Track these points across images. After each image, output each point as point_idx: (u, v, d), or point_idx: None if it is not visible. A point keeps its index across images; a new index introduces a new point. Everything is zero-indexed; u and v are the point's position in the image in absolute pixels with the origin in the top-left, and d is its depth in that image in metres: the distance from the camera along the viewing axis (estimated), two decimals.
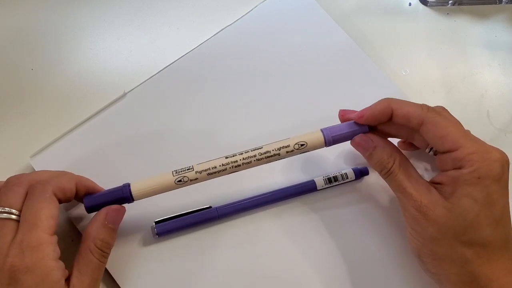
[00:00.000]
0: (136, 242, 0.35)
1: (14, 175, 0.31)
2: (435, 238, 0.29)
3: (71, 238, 0.35)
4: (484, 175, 0.28)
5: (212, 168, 0.32)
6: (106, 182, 0.34)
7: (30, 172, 0.36)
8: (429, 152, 0.33)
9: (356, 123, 0.33)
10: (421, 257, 0.31)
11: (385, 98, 0.32)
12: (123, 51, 0.42)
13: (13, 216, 0.28)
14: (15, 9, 0.43)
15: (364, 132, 0.33)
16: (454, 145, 0.29)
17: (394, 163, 0.31)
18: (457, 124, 0.31)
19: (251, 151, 0.32)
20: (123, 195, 0.31)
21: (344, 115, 0.34)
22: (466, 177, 0.28)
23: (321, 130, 0.33)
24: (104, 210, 0.31)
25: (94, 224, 0.31)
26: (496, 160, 0.29)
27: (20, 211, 0.29)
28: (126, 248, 0.35)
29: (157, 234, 0.35)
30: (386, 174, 0.32)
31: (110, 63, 0.42)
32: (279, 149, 0.32)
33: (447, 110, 0.32)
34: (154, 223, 0.35)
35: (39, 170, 0.36)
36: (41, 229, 0.28)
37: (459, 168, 0.29)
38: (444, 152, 0.30)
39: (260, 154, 0.32)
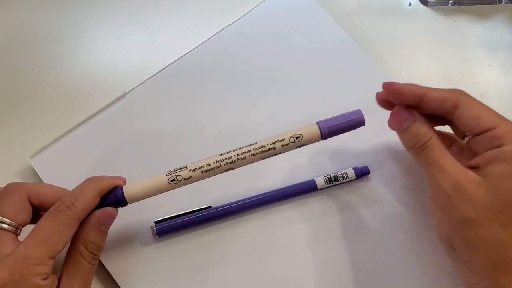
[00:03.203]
0: (136, 242, 0.35)
1: (14, 182, 0.30)
2: (470, 219, 0.27)
3: None
4: None
5: (206, 165, 0.31)
6: None
7: (34, 176, 0.37)
8: (463, 139, 0.32)
9: (352, 114, 0.32)
10: (453, 243, 0.29)
11: (417, 85, 0.32)
12: (123, 51, 0.42)
13: (5, 226, 0.28)
14: (15, 9, 0.43)
15: (361, 124, 0.32)
16: (491, 124, 0.29)
17: (431, 138, 0.30)
18: (489, 107, 0.30)
19: (245, 146, 0.31)
20: (116, 199, 0.30)
21: (388, 87, 0.32)
22: (507, 155, 0.27)
23: (317, 123, 0.32)
24: (96, 213, 0.30)
25: (85, 226, 0.29)
26: None
27: (12, 220, 0.28)
28: (126, 248, 0.35)
29: (157, 234, 0.34)
30: (421, 148, 0.30)
31: (110, 63, 0.42)
32: (274, 143, 0.31)
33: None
34: (154, 223, 0.35)
35: (41, 173, 0.36)
36: (46, 249, 0.27)
37: (498, 146, 0.28)
38: (479, 133, 0.29)
39: (254, 149, 0.31)
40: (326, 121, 0.32)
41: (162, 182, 0.31)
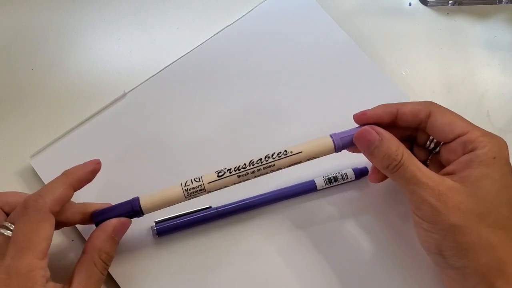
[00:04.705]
0: (136, 242, 0.35)
1: (33, 195, 0.29)
2: (458, 226, 0.28)
3: (71, 238, 0.35)
4: (499, 155, 0.29)
5: (224, 187, 0.32)
6: (106, 182, 0.34)
7: (34, 176, 0.36)
8: (429, 145, 0.33)
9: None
10: (443, 251, 0.29)
11: (387, 104, 0.33)
12: (123, 51, 0.42)
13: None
14: (15, 9, 0.43)
15: None
16: (464, 129, 0.30)
17: (403, 155, 0.30)
18: (459, 114, 0.32)
19: (263, 168, 0.31)
20: (132, 209, 0.31)
21: (361, 117, 0.33)
22: (482, 158, 0.28)
23: (331, 136, 0.32)
24: (112, 222, 0.30)
25: (101, 236, 0.30)
26: (504, 144, 0.30)
27: None
28: (126, 248, 0.35)
29: (157, 234, 0.35)
30: (395, 167, 0.30)
31: (110, 63, 0.42)
32: (290, 165, 0.32)
33: None
34: (154, 223, 0.35)
35: (41, 173, 0.36)
36: (32, 253, 0.26)
37: (472, 150, 0.29)
38: (453, 139, 0.30)
39: (271, 171, 0.32)
40: (340, 136, 0.32)
41: (179, 195, 0.31)
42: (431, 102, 0.32)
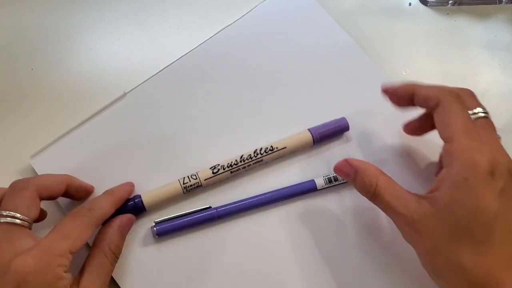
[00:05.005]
0: (136, 242, 0.35)
1: (19, 180, 0.31)
2: (432, 252, 0.28)
3: None
4: (471, 176, 0.27)
5: (219, 181, 0.36)
6: (107, 182, 0.34)
7: (34, 176, 0.37)
8: None
9: (338, 121, 0.37)
10: (428, 271, 0.29)
11: (410, 83, 0.33)
12: (123, 51, 0.42)
13: (17, 221, 0.28)
14: (15, 9, 0.43)
15: (344, 127, 0.37)
16: (450, 136, 0.28)
17: (377, 185, 0.30)
18: (468, 117, 0.29)
19: (253, 163, 0.36)
20: (135, 206, 0.34)
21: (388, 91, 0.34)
22: (453, 179, 0.27)
23: (309, 130, 0.37)
24: (118, 219, 0.33)
25: (110, 229, 0.32)
26: (480, 162, 0.27)
27: (26, 216, 0.29)
28: (126, 248, 0.35)
29: (157, 234, 0.35)
30: (373, 197, 0.31)
31: (110, 63, 0.42)
32: (277, 159, 0.37)
33: (474, 96, 0.32)
34: (154, 223, 0.35)
35: (41, 173, 0.36)
36: (68, 244, 0.29)
37: (447, 165, 0.28)
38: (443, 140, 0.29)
39: (260, 165, 0.36)
40: (317, 128, 0.37)
41: (177, 191, 0.35)
42: (449, 92, 0.30)
